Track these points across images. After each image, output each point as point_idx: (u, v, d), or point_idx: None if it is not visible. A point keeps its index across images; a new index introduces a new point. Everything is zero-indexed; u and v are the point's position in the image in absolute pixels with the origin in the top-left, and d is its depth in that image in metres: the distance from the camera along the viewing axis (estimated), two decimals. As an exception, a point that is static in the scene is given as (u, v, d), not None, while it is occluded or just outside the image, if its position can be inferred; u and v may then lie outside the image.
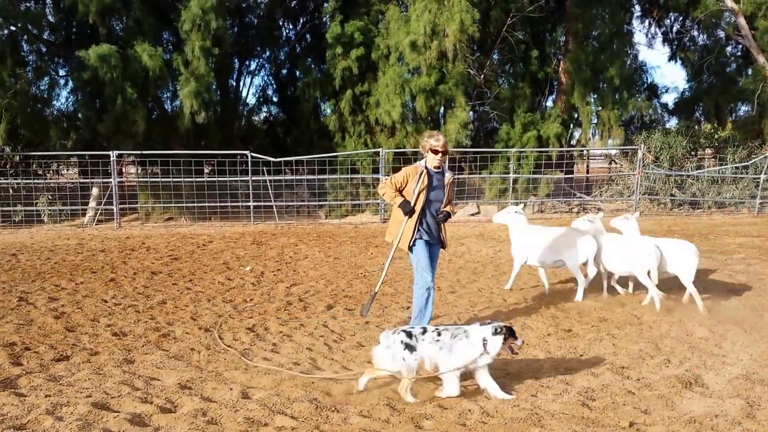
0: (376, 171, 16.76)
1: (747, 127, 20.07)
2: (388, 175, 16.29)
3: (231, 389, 5.18)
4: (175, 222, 16.05)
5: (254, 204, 15.90)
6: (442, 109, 18.71)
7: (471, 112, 19.12)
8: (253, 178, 15.81)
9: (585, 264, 8.20)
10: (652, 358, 6.07)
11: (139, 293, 8.65)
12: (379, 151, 16.35)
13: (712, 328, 6.95)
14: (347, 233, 14.37)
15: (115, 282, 9.36)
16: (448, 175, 6.64)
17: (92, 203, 16.58)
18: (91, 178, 16.33)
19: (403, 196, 6.46)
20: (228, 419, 4.62)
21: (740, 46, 20.51)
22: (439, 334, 5.13)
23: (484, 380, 5.15)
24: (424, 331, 5.18)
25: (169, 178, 15.86)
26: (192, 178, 15.77)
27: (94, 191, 16.64)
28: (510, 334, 5.10)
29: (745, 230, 14.22)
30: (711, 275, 9.68)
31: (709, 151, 20.88)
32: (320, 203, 17.32)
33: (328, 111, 18.89)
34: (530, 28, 19.67)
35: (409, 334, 5.12)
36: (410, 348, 5.06)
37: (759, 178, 17.23)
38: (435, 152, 6.40)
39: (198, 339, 6.59)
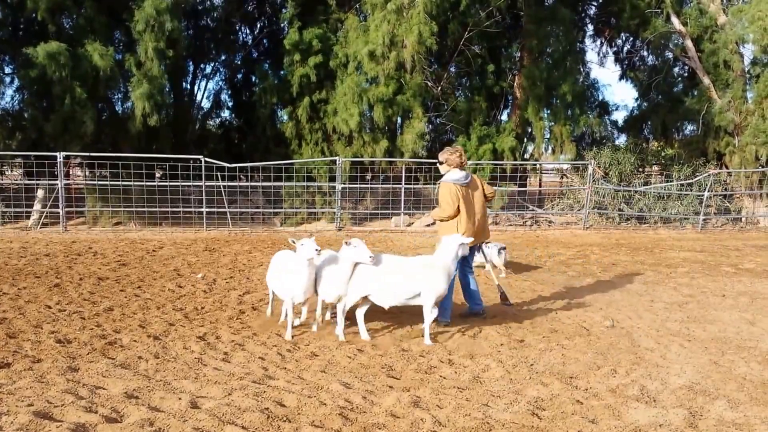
0: (332, 179, 16.67)
1: (692, 146, 20.68)
2: (344, 184, 16.28)
3: (180, 399, 5.02)
4: (124, 227, 15.64)
5: (207, 210, 15.62)
6: (399, 120, 18.76)
7: (428, 124, 19.23)
8: (207, 184, 15.54)
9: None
10: (599, 368, 6.16)
11: (85, 299, 8.36)
12: (336, 160, 16.27)
13: (658, 340, 7.09)
14: (302, 241, 14.22)
15: (59, 287, 9.04)
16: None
17: (37, 205, 16.04)
18: (37, 180, 15.81)
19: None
20: (176, 429, 4.46)
21: (687, 68, 21.15)
22: None
23: None
24: None
25: (119, 181, 15.46)
26: (142, 182, 15.40)
27: (40, 193, 16.11)
28: None
29: (689, 245, 14.62)
30: (656, 287, 9.88)
31: (656, 168, 21.44)
32: (275, 210, 17.13)
33: (285, 118, 18.74)
34: (487, 43, 19.91)
35: None
36: None
37: (703, 195, 17.76)
38: (462, 166, 7.44)
39: (146, 347, 6.39)
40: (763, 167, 18.60)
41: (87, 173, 17.77)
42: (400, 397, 5.24)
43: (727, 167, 19.45)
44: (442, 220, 7.49)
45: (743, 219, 18.96)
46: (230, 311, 7.97)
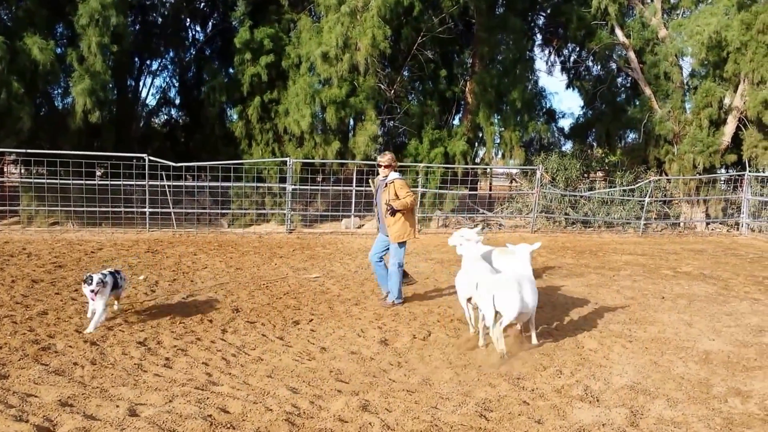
0: (283, 180, 16.47)
1: (634, 153, 21.23)
2: (295, 185, 16.15)
3: (117, 406, 4.86)
4: (61, 227, 15.09)
5: (150, 210, 15.23)
6: (352, 122, 18.68)
7: (381, 126, 19.21)
8: (151, 183, 15.15)
9: None
10: (545, 369, 6.26)
11: (17, 303, 8.02)
12: (287, 161, 16.09)
13: (601, 341, 7.24)
14: (251, 243, 14.03)
15: (-8, 289, 8.67)
16: (390, 178, 8.57)
17: (-31, 204, 15.37)
18: (-31, 177, 15.16)
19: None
20: (113, 438, 4.33)
21: (630, 78, 21.71)
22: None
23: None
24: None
25: (56, 179, 14.94)
26: (82, 180, 14.90)
27: (-28, 191, 15.45)
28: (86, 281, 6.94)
29: (631, 248, 14.97)
30: (599, 290, 10.08)
31: (600, 174, 21.92)
32: (223, 211, 16.82)
33: (235, 117, 18.41)
34: (439, 48, 20.02)
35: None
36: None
37: (644, 201, 18.22)
38: (380, 166, 8.69)
39: (82, 353, 6.17)
40: (700, 175, 19.21)
41: (22, 171, 17.06)
42: (349, 402, 5.19)
43: (666, 174, 20.02)
44: (405, 210, 8.47)
45: (681, 224, 19.53)
46: (173, 315, 7.76)
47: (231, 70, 18.37)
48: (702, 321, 8.26)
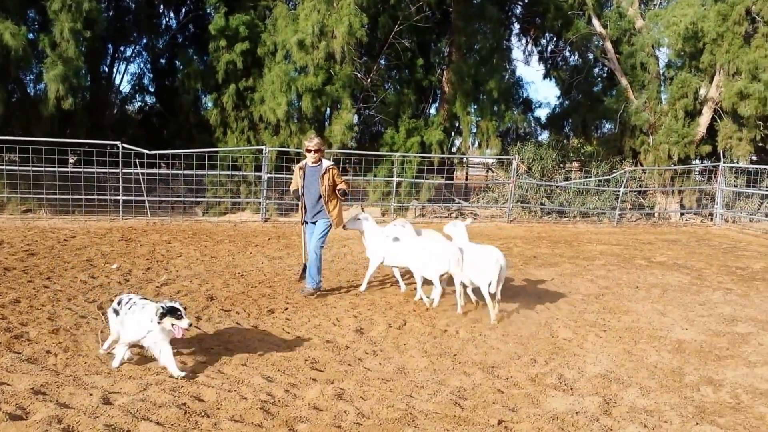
0: (258, 169, 16.35)
1: (610, 144, 21.39)
2: (270, 174, 16.04)
3: (91, 394, 4.80)
4: (33, 215, 14.84)
5: (124, 198, 15.03)
6: (328, 110, 18.58)
7: (357, 115, 19.14)
8: (124, 171, 14.94)
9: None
10: (519, 358, 6.31)
11: (-10, 290, 7.89)
12: (262, 149, 15.97)
13: (576, 330, 7.31)
14: (225, 232, 13.93)
15: (-39, 277, 8.51)
16: (326, 165, 8.40)
17: (-61, 191, 15.04)
18: (-61, 164, 14.82)
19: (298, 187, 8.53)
20: (86, 426, 4.28)
21: (606, 68, 21.85)
22: (129, 308, 5.43)
23: (162, 356, 5.38)
24: (120, 303, 5.55)
25: (29, 166, 14.67)
26: (55, 167, 14.65)
27: (-58, 178, 15.10)
28: (172, 313, 5.25)
29: (606, 239, 15.13)
30: (574, 279, 10.18)
31: (575, 164, 22.08)
32: (198, 200, 16.66)
33: (210, 104, 18.22)
34: (416, 37, 19.95)
35: (119, 302, 5.56)
36: (116, 313, 5.53)
37: (619, 191, 18.41)
38: (308, 151, 8.39)
39: (55, 341, 6.08)
40: (675, 165, 19.44)
41: (-5, 158, 16.76)
42: (324, 390, 5.19)
43: (641, 165, 20.23)
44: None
45: (656, 214, 19.78)
46: (148, 303, 7.68)
47: (206, 58, 18.16)
48: (675, 310, 8.38)
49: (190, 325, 5.42)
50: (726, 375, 5.97)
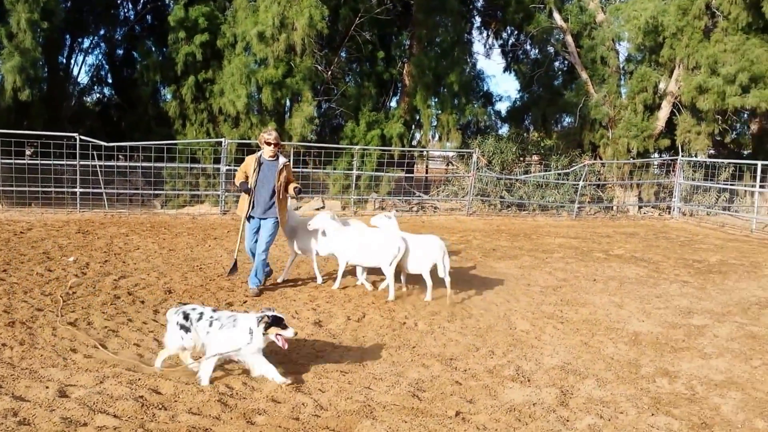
0: (217, 161, 16.16)
1: (569, 137, 21.69)
2: (230, 166, 15.85)
3: (47, 387, 4.74)
4: (-13, 207, 14.46)
5: (81, 190, 14.71)
6: (288, 103, 18.46)
7: (317, 108, 19.04)
8: (82, 163, 14.62)
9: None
10: (478, 350, 6.37)
11: (-61, 284, 7.66)
12: (221, 141, 15.79)
13: (534, 322, 7.41)
14: (184, 224, 13.74)
15: None
16: (282, 161, 8.10)
17: None
18: None
19: (246, 179, 8.09)
20: (42, 419, 4.22)
21: (566, 62, 22.15)
22: (210, 325, 5.16)
23: (259, 368, 5.17)
24: (201, 317, 5.19)
25: (-17, 159, 14.28)
26: (11, 159, 14.27)
27: None
28: (276, 323, 5.08)
29: (564, 231, 15.34)
30: (533, 272, 10.31)
31: (535, 157, 22.33)
32: (156, 192, 16.41)
33: (169, 96, 17.96)
34: (377, 30, 19.94)
35: (187, 317, 5.18)
36: (185, 329, 5.15)
37: (578, 185, 18.69)
38: (268, 144, 7.99)
39: (11, 334, 5.95)
40: (633, 159, 19.80)
41: (-53, 149, 16.25)
42: (282, 382, 5.16)
43: (601, 158, 20.57)
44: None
45: (614, 207, 20.14)
46: (104, 296, 7.55)
47: (165, 49, 17.91)
48: (632, 303, 8.53)
49: (295, 333, 5.24)
50: (681, 366, 6.09)
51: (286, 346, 5.15)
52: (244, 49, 17.07)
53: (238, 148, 16.59)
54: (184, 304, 5.51)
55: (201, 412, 4.55)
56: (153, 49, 18.31)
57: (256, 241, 8.11)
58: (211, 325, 5.15)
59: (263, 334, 5.05)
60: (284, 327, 5.10)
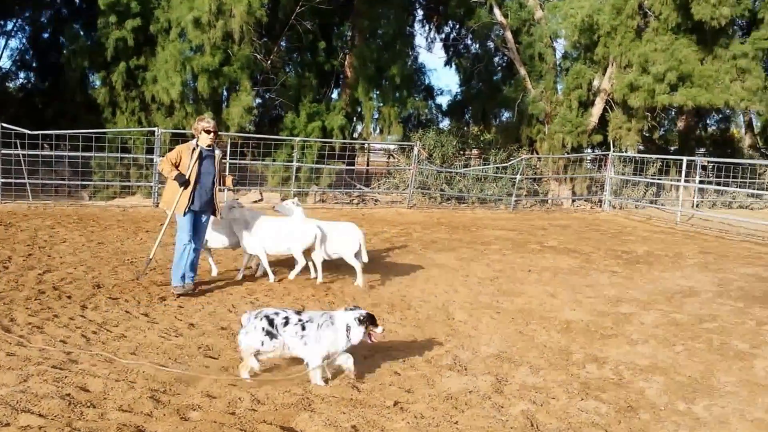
0: (150, 151, 15.69)
1: (508, 132, 22.04)
2: (163, 157, 15.32)
3: (-36, 388, 4.47)
4: None
5: (3, 181, 14.07)
6: (225, 92, 18.09)
7: (256, 98, 18.73)
8: (4, 152, 13.98)
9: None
10: (417, 340, 6.38)
11: None
12: (154, 131, 15.33)
13: (471, 312, 7.48)
14: (114, 216, 13.31)
15: None
16: (218, 153, 7.75)
17: None
18: None
19: (178, 170, 7.42)
20: (-41, 421, 3.97)
21: (506, 58, 22.46)
22: (303, 327, 5.04)
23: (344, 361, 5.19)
24: (287, 321, 5.06)
25: None
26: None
27: None
28: (371, 321, 5.13)
29: (502, 224, 15.56)
30: (471, 263, 10.41)
31: (475, 151, 22.60)
32: (84, 183, 15.81)
33: (98, 83, 17.33)
34: (319, 19, 19.70)
35: (271, 322, 5.03)
36: (270, 335, 5.00)
37: (515, 178, 19.00)
38: (208, 132, 7.48)
39: (-76, 332, 5.60)
40: (568, 154, 20.26)
41: None
42: (218, 377, 5.04)
43: (537, 153, 20.97)
44: None
45: (549, 201, 20.56)
46: (28, 291, 7.21)
47: (94, 34, 17.27)
48: (565, 292, 8.71)
49: (383, 330, 5.28)
50: (610, 353, 6.25)
51: (375, 342, 5.28)
52: (179, 35, 16.62)
53: (173, 138, 16.14)
54: (261, 308, 5.43)
55: (132, 410, 4.40)
56: (81, 33, 17.64)
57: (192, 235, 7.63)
58: (304, 328, 5.04)
59: (363, 332, 5.07)
60: (376, 324, 5.16)
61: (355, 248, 8.37)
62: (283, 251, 8.51)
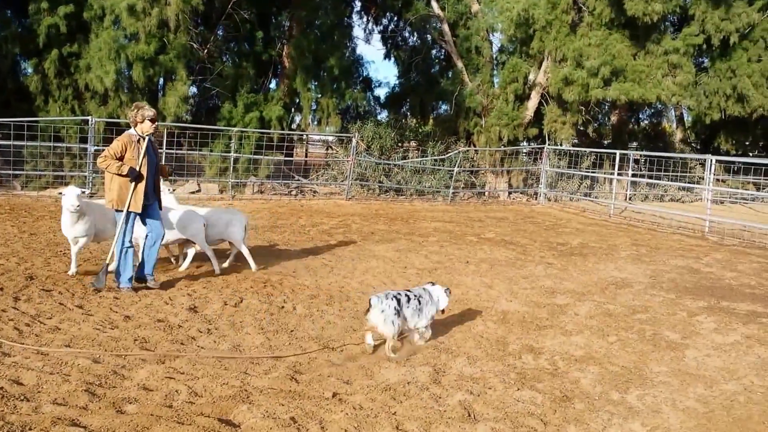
0: (84, 141, 15.25)
1: (446, 124, 22.28)
2: (98, 146, 14.96)
3: None
4: None
5: (-73, 170, 13.48)
6: (161, 81, 17.71)
7: (193, 87, 18.40)
8: (-73, 140, 13.38)
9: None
10: (355, 331, 6.45)
11: None
12: (88, 119, 14.91)
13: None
14: (47, 207, 12.91)
15: None
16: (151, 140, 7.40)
17: None
18: None
19: (125, 164, 7.03)
20: None
21: (444, 51, 22.66)
22: (419, 302, 6.00)
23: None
24: (409, 299, 5.94)
25: None
26: None
27: None
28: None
29: (440, 216, 15.76)
30: (409, 255, 10.54)
31: (413, 143, 22.76)
32: (15, 172, 15.27)
33: (30, 70, 16.75)
34: (256, 9, 19.49)
35: (399, 301, 5.79)
36: (398, 312, 5.74)
37: (453, 171, 19.27)
38: (153, 121, 7.18)
39: None
40: (504, 147, 20.65)
41: None
42: (154, 370, 5.02)
43: (474, 145, 21.29)
44: None
45: (486, 193, 20.92)
46: (-45, 285, 6.97)
47: (25, 20, 16.68)
48: (501, 284, 8.90)
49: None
50: (545, 343, 6.43)
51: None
52: (113, 22, 16.19)
53: (107, 127, 15.75)
54: (386, 292, 5.97)
55: (67, 403, 4.33)
56: (12, 19, 16.97)
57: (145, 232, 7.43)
58: (420, 303, 5.99)
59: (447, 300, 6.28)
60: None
61: (242, 233, 8.61)
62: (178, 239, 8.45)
